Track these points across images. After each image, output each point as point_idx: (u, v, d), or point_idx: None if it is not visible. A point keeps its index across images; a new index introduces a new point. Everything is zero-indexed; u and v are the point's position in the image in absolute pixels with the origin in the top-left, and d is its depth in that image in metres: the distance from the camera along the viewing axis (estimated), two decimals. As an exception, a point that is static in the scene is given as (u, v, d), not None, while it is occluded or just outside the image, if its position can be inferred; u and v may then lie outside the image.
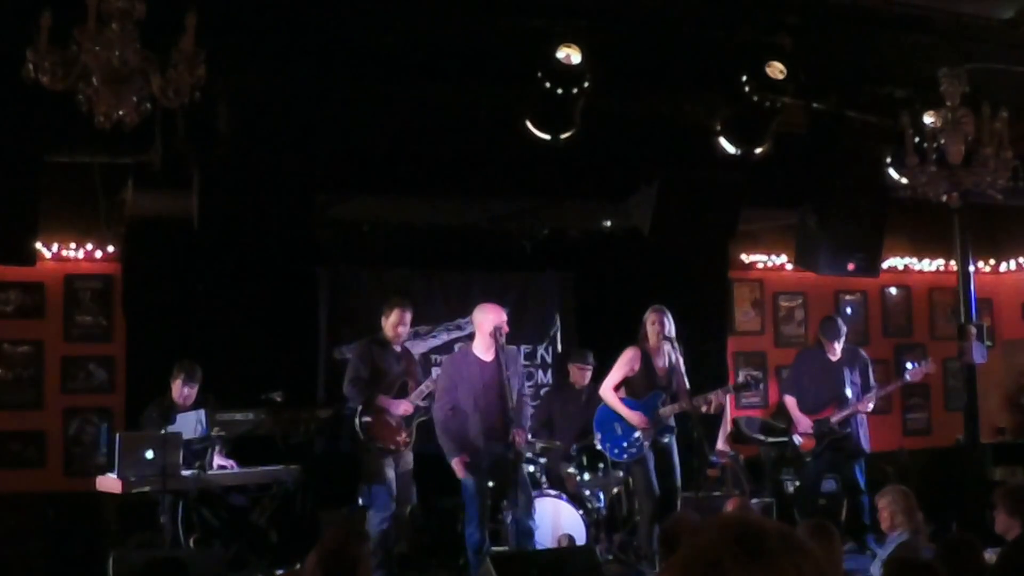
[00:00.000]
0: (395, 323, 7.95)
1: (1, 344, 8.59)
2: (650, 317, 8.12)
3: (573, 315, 9.85)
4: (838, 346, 9.10)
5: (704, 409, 8.17)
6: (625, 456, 8.07)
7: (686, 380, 8.10)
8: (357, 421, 7.83)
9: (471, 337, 8.65)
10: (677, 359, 8.13)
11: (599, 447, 8.24)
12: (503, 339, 7.50)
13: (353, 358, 8.07)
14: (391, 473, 7.86)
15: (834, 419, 8.92)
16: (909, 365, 9.36)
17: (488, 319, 7.56)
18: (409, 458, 8.02)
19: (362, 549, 4.31)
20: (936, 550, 5.06)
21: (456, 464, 7.48)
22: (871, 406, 9.10)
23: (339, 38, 6.54)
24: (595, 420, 8.26)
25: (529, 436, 7.98)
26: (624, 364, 8.16)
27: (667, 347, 8.14)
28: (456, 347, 8.28)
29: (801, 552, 1.61)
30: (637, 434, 8.01)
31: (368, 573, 4.14)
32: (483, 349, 7.56)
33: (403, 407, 7.91)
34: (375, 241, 9.36)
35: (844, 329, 9.18)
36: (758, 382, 9.77)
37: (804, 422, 8.99)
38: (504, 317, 7.59)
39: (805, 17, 6.82)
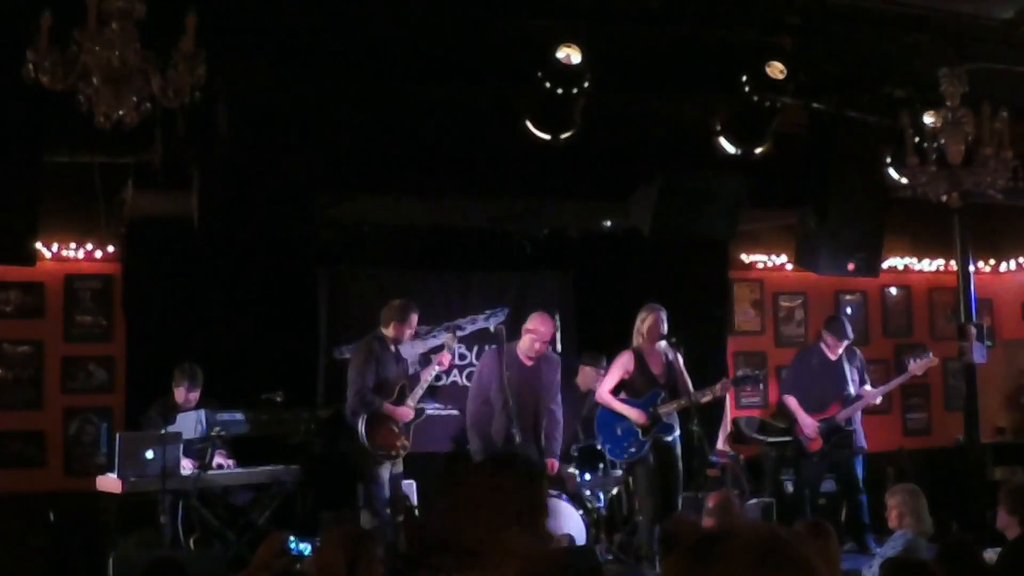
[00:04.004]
0: (405, 326, 8.02)
1: (1, 344, 8.58)
2: (650, 317, 8.12)
3: (573, 315, 9.83)
4: (841, 347, 9.11)
5: (704, 400, 8.17)
6: (626, 456, 8.07)
7: (687, 376, 8.11)
8: (360, 427, 7.85)
9: (471, 337, 8.66)
10: (675, 357, 8.13)
11: (600, 448, 8.24)
12: (534, 349, 7.73)
13: (355, 364, 8.05)
14: (386, 475, 7.90)
15: (840, 416, 8.93)
16: (912, 360, 9.36)
17: (533, 326, 7.79)
18: (400, 460, 8.07)
19: (375, 551, 4.32)
20: (936, 552, 5.06)
21: None
22: (879, 399, 9.14)
23: (339, 38, 6.54)
24: (595, 422, 8.25)
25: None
26: (619, 367, 8.16)
27: (662, 346, 8.14)
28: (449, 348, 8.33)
29: (811, 566, 1.58)
30: (638, 434, 8.01)
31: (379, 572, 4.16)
32: (524, 352, 7.65)
33: (407, 414, 7.96)
34: (375, 241, 9.35)
35: (851, 334, 9.18)
36: (757, 377, 9.76)
37: (809, 422, 8.96)
38: (548, 329, 7.71)
39: (805, 17, 6.82)
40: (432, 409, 8.30)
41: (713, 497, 6.55)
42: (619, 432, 8.07)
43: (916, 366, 9.20)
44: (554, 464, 7.87)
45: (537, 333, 7.70)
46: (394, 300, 8.23)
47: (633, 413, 8.01)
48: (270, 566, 4.17)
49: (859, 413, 9.11)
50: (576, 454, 8.55)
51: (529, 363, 7.70)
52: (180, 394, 7.86)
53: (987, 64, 6.84)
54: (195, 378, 7.89)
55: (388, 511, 7.89)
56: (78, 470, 8.52)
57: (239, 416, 7.90)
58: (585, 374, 8.98)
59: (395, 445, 7.94)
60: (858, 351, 9.39)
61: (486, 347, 8.41)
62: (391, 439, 7.93)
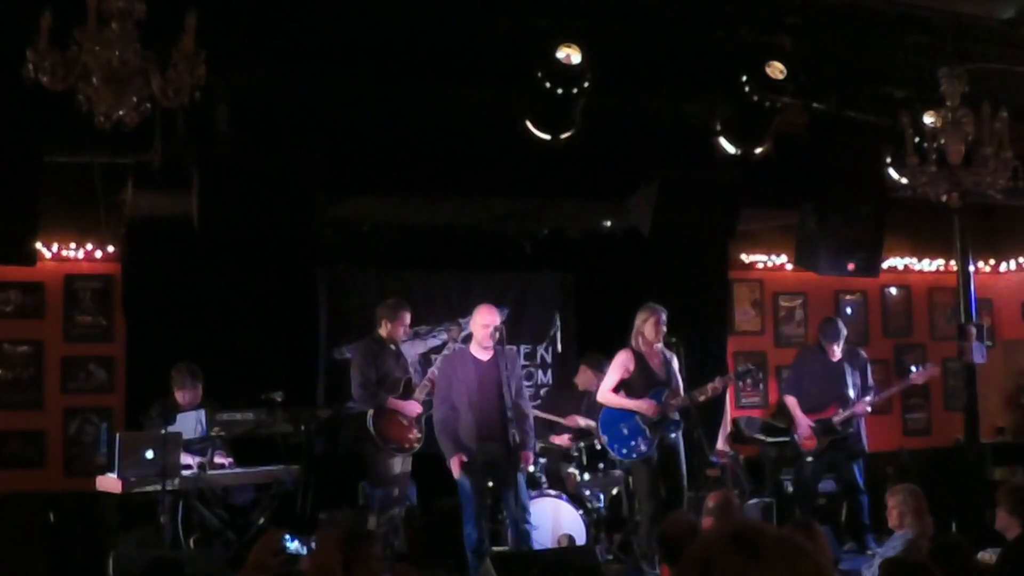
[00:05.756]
0: (398, 324, 8.02)
1: (1, 344, 8.58)
2: (651, 318, 8.10)
3: (573, 315, 9.84)
4: (838, 348, 9.10)
5: (702, 398, 8.15)
6: (634, 455, 8.05)
7: (680, 379, 8.11)
8: (370, 424, 7.86)
9: (471, 337, 8.66)
10: (672, 357, 8.13)
11: (606, 448, 8.20)
12: (497, 338, 7.60)
13: (357, 361, 8.07)
14: (398, 471, 7.93)
15: (836, 419, 8.92)
16: (913, 368, 9.35)
17: (481, 319, 7.66)
18: (409, 458, 8.08)
19: (373, 550, 4.32)
20: (928, 552, 5.06)
21: (453, 463, 7.53)
22: (870, 408, 9.12)
23: (339, 38, 6.54)
24: (599, 422, 8.23)
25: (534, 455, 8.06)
26: (619, 367, 8.14)
27: (661, 346, 8.14)
28: (450, 347, 8.32)
29: (798, 554, 1.61)
30: (646, 432, 8.00)
31: (380, 571, 4.16)
32: (480, 349, 7.64)
33: (415, 408, 7.97)
34: (375, 241, 9.36)
35: (844, 331, 9.18)
36: (758, 372, 9.75)
37: (804, 422, 8.98)
38: (496, 318, 7.66)
39: (805, 17, 6.83)
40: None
41: (713, 497, 6.54)
42: (625, 431, 8.05)
43: (917, 375, 9.20)
44: (528, 457, 7.80)
45: (484, 321, 7.65)
46: (387, 300, 8.26)
47: (644, 405, 7.98)
48: (266, 565, 4.16)
49: (863, 418, 9.10)
50: (576, 454, 8.55)
51: (486, 359, 7.65)
52: (182, 395, 7.86)
53: (987, 64, 6.84)
54: (196, 377, 7.89)
55: (396, 511, 7.90)
56: (78, 470, 8.52)
57: (239, 416, 7.90)
58: (585, 376, 8.97)
59: (407, 438, 7.97)
60: (863, 353, 9.39)
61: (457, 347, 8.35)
62: (402, 432, 7.96)
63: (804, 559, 1.61)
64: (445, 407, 7.65)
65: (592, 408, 8.48)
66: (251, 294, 8.81)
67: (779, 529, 1.70)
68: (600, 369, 8.81)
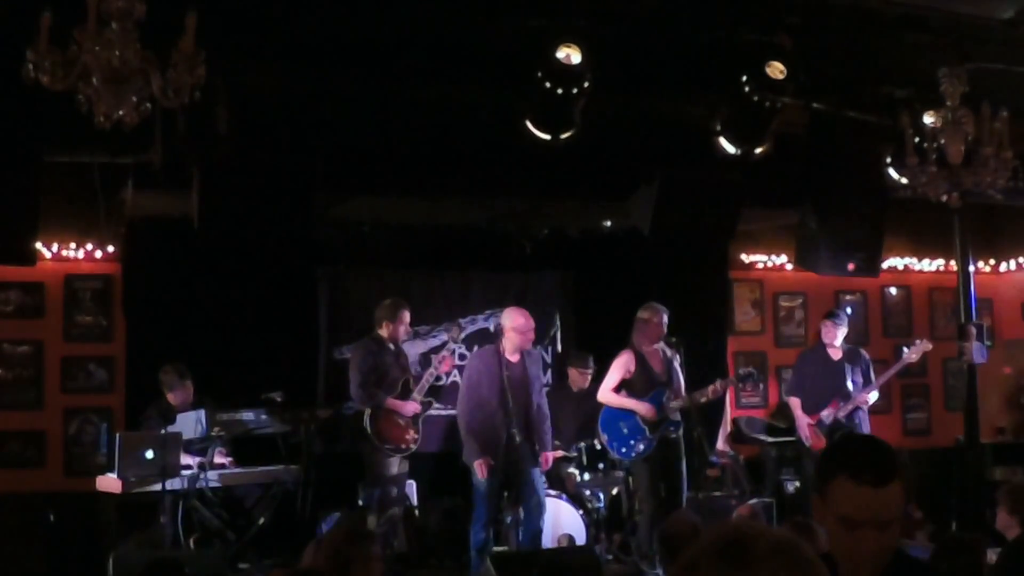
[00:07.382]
0: (398, 324, 8.03)
1: (1, 344, 8.58)
2: (652, 318, 8.12)
3: (573, 315, 9.83)
4: (840, 332, 9.10)
5: (702, 400, 8.18)
6: (633, 454, 8.07)
7: (682, 379, 8.12)
8: (367, 424, 7.86)
9: (471, 337, 8.73)
10: (673, 356, 8.14)
11: (607, 447, 8.22)
12: (525, 344, 7.73)
13: (356, 361, 8.08)
14: (395, 471, 7.93)
15: (840, 414, 8.92)
16: (905, 349, 9.34)
17: (523, 325, 7.77)
18: (406, 458, 8.09)
19: (372, 550, 4.32)
20: (934, 550, 5.06)
21: (479, 466, 7.56)
22: (872, 397, 9.13)
23: (339, 38, 6.55)
24: (600, 421, 8.25)
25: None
26: (620, 367, 8.16)
27: (662, 345, 8.14)
28: (450, 347, 8.33)
29: (788, 564, 1.58)
30: (646, 431, 8.00)
31: (378, 572, 4.16)
32: (510, 350, 7.67)
33: (413, 408, 7.98)
34: (375, 241, 9.36)
35: (848, 314, 9.19)
36: (758, 375, 9.76)
37: (803, 423, 8.97)
38: (525, 322, 7.75)
39: (805, 17, 6.82)
40: (433, 409, 8.31)
41: (744, 508, 6.57)
42: (625, 431, 8.07)
43: (911, 352, 9.20)
44: (548, 458, 7.86)
45: (518, 327, 7.70)
46: (384, 300, 8.26)
47: (643, 408, 8.01)
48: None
49: (866, 415, 9.09)
50: (576, 454, 8.55)
51: (515, 360, 7.70)
52: (173, 396, 7.86)
53: (987, 64, 6.83)
54: (184, 377, 7.89)
55: (395, 511, 7.90)
56: (78, 470, 8.52)
57: (239, 416, 7.90)
58: (573, 376, 8.99)
59: (404, 439, 7.97)
60: (864, 353, 9.38)
61: (474, 347, 8.41)
62: (399, 433, 7.97)
63: (795, 568, 1.58)
64: (471, 405, 7.70)
65: (591, 405, 8.48)
66: (251, 294, 8.81)
67: (774, 534, 1.65)
68: (585, 365, 8.85)
